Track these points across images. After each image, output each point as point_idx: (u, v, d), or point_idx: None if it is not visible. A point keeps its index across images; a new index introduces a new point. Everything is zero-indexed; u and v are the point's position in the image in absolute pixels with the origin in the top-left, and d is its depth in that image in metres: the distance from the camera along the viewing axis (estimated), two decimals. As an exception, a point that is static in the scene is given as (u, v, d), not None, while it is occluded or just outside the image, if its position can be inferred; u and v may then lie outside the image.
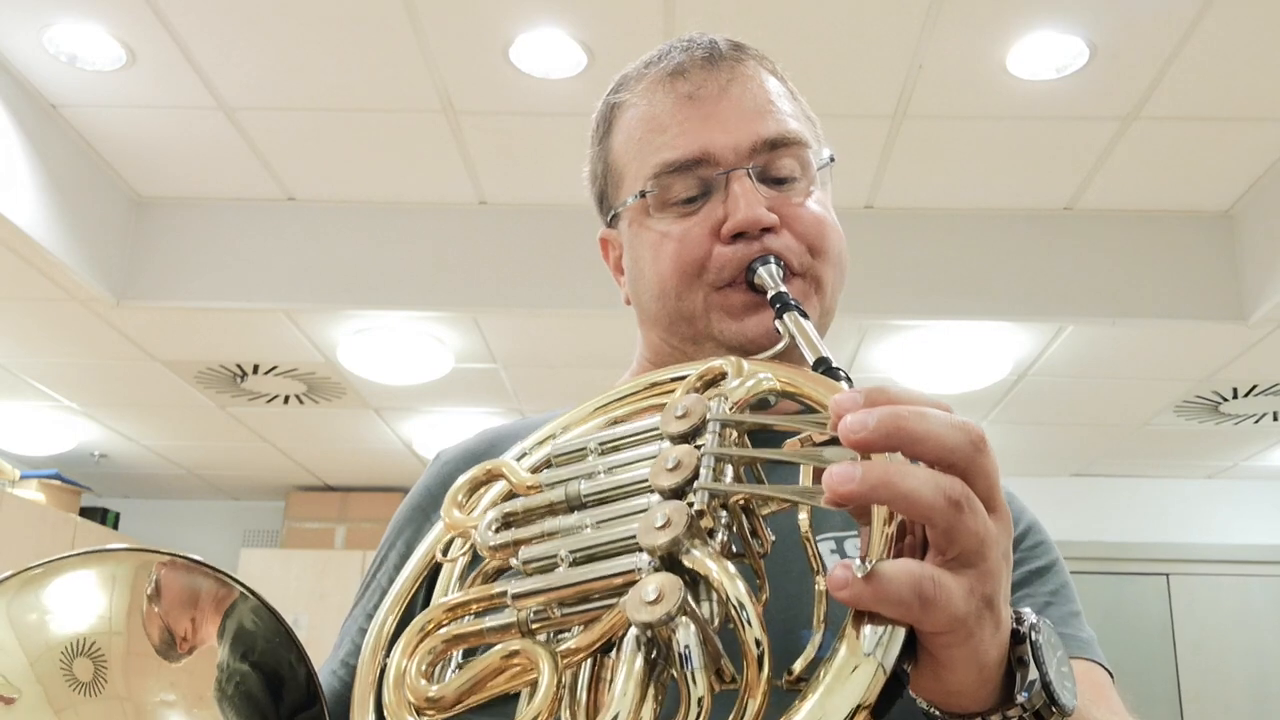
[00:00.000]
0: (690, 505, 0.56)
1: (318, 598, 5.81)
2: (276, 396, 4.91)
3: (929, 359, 4.28)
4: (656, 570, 0.54)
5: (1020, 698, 0.56)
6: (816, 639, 0.58)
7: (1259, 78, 3.01)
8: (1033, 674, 0.56)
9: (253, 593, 0.61)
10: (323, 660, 0.92)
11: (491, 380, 4.68)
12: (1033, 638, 0.56)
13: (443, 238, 3.82)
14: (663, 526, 0.54)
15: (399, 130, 3.37)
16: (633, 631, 0.53)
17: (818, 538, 0.82)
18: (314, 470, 6.26)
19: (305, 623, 5.65)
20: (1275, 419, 4.99)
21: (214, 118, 3.31)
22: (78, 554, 0.58)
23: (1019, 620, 0.57)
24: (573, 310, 3.79)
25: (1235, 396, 4.65)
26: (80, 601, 0.58)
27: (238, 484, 6.60)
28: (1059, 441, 5.47)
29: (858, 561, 0.50)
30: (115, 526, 6.52)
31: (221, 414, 5.18)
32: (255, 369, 4.57)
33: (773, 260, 0.84)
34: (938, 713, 0.58)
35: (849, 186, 3.62)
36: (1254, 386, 4.52)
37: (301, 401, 4.98)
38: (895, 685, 0.51)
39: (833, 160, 0.93)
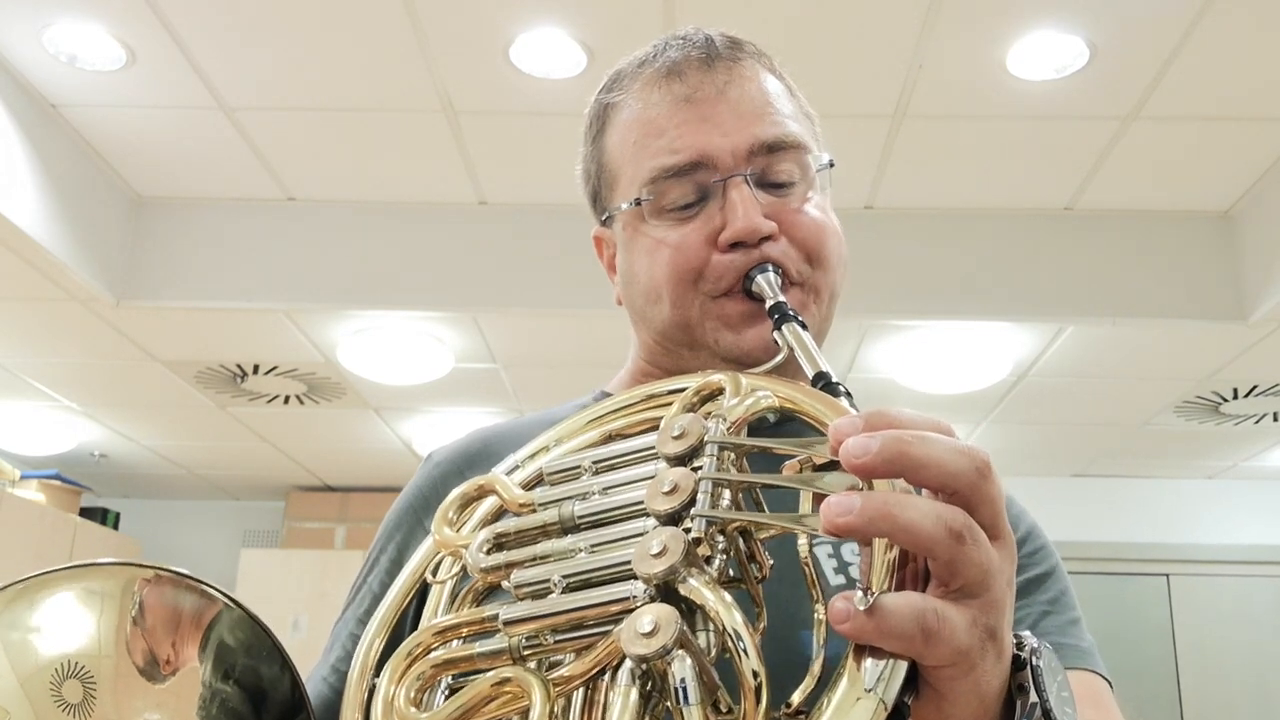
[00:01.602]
0: (687, 532, 0.55)
1: (318, 598, 5.81)
2: (276, 396, 4.91)
3: (929, 359, 4.27)
4: (652, 599, 0.53)
5: None
6: (815, 667, 0.57)
7: (1259, 78, 3.01)
8: (1033, 699, 0.55)
9: (237, 604, 0.60)
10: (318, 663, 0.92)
11: (491, 380, 4.67)
12: (1033, 663, 0.56)
13: (443, 238, 3.82)
14: (659, 554, 0.53)
15: (399, 130, 3.37)
16: (627, 663, 0.52)
17: (812, 543, 0.82)
18: (314, 470, 6.26)
19: (305, 623, 5.65)
20: (1275, 419, 4.99)
21: (214, 118, 3.31)
22: (62, 569, 0.58)
23: (1019, 645, 0.57)
24: (573, 310, 3.79)
25: (1235, 397, 4.65)
26: (68, 620, 0.57)
27: (238, 484, 6.60)
28: (1059, 441, 5.47)
29: (859, 594, 0.49)
30: (115, 526, 6.51)
31: (221, 414, 5.18)
32: (255, 369, 4.57)
33: (771, 268, 0.83)
34: None
35: (849, 186, 3.62)
36: (1254, 387, 4.52)
37: (301, 401, 4.98)
38: (897, 719, 0.50)
39: (832, 165, 0.91)
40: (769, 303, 0.80)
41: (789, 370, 0.74)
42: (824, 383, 0.68)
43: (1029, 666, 0.56)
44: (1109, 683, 0.86)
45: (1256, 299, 3.61)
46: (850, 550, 0.82)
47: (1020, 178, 3.57)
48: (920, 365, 4.32)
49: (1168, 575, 6.00)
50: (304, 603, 5.76)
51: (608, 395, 0.96)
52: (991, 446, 5.23)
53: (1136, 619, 5.87)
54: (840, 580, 0.81)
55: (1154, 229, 3.74)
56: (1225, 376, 4.38)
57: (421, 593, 0.70)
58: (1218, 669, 5.83)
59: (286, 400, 4.96)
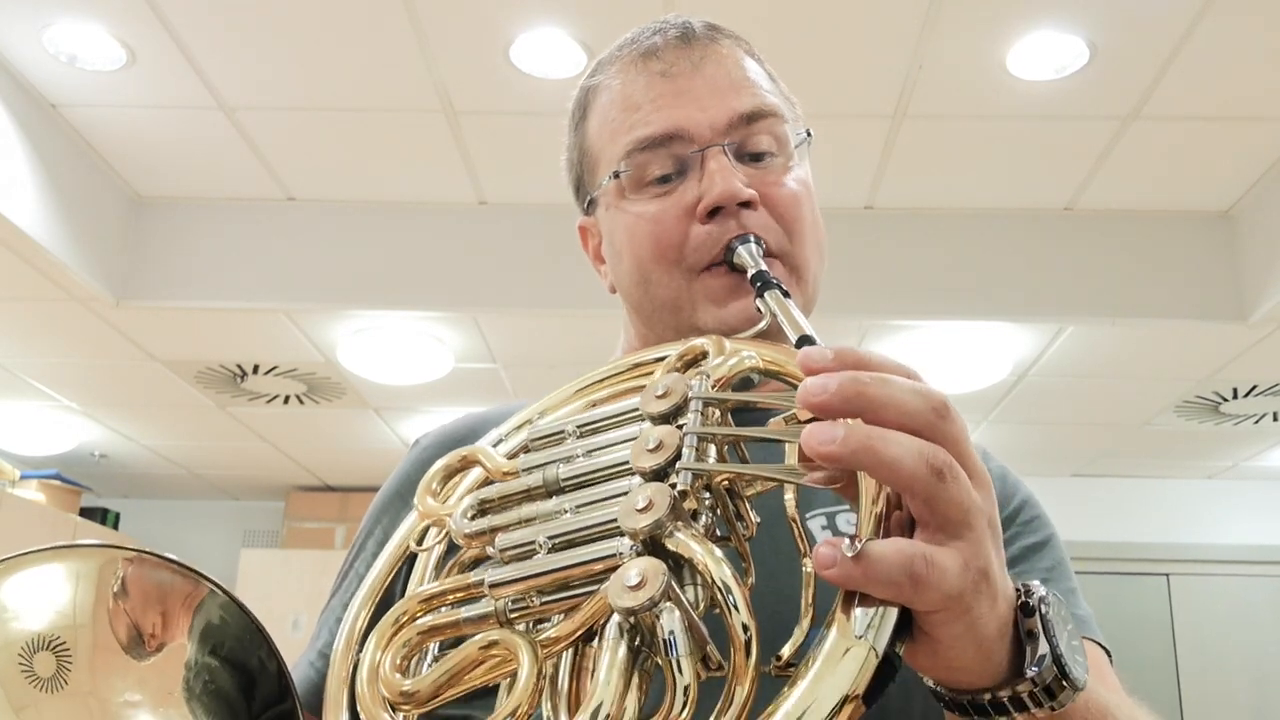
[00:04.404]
0: (673, 487, 0.54)
1: (318, 597, 5.76)
2: (276, 396, 4.91)
3: (929, 359, 4.27)
4: (639, 555, 0.52)
5: (1030, 671, 0.54)
6: (805, 623, 0.57)
7: (1259, 78, 3.01)
8: (1043, 648, 0.54)
9: (222, 589, 0.60)
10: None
11: (491, 380, 4.67)
12: (1042, 610, 0.55)
13: (443, 238, 3.82)
14: (644, 509, 0.53)
15: (399, 130, 3.37)
16: (615, 618, 0.51)
17: (809, 514, 0.81)
18: (314, 470, 6.26)
19: (304, 622, 5.65)
20: (1275, 419, 4.99)
21: (214, 118, 3.31)
22: (40, 550, 0.57)
23: (1028, 593, 0.56)
24: (573, 310, 3.78)
25: (1235, 396, 4.65)
26: (43, 597, 0.56)
27: (238, 484, 6.60)
28: (1059, 441, 5.46)
29: (846, 540, 0.49)
30: (115, 526, 6.52)
31: (221, 414, 5.17)
32: (255, 369, 4.57)
33: (752, 239, 0.82)
34: (944, 691, 0.56)
35: (849, 186, 3.62)
36: (1254, 386, 4.52)
37: (301, 401, 4.98)
38: (888, 668, 0.49)
39: (810, 136, 0.91)
40: (751, 272, 0.80)
41: (774, 338, 0.73)
42: (807, 345, 0.67)
43: (1038, 614, 0.55)
44: (1108, 652, 0.86)
45: (1256, 299, 3.61)
46: (846, 520, 0.82)
47: (1020, 178, 3.57)
48: (920, 365, 4.30)
49: (1168, 575, 6.00)
50: (304, 602, 5.76)
51: None
52: (992, 446, 5.22)
53: (1136, 619, 5.87)
54: None
55: (1154, 229, 3.74)
56: (1225, 376, 4.38)
57: (408, 566, 0.69)
58: (1218, 669, 5.83)
59: (286, 400, 4.96)
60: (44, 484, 5.82)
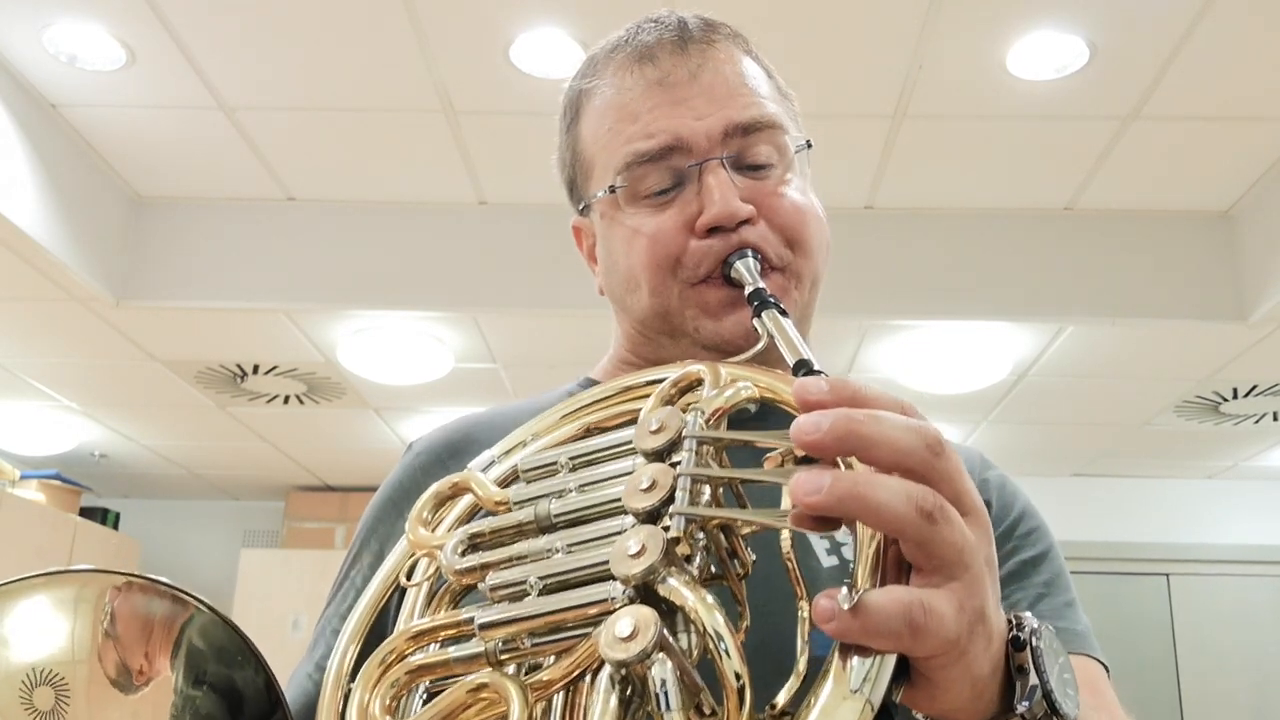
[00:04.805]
0: (666, 530, 0.53)
1: (318, 598, 5.74)
2: (276, 396, 4.91)
3: (929, 359, 4.27)
4: (631, 600, 0.52)
5: (1020, 707, 0.54)
6: (801, 664, 0.56)
7: (1259, 78, 3.01)
8: (1033, 681, 0.54)
9: (210, 608, 0.60)
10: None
11: (491, 380, 4.67)
12: (1033, 644, 0.55)
13: (443, 238, 3.82)
14: (637, 554, 0.52)
15: (399, 130, 3.37)
16: (607, 668, 0.50)
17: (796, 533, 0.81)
18: (314, 470, 6.26)
19: (304, 622, 5.65)
20: (1275, 419, 4.99)
21: (214, 118, 3.31)
22: (33, 576, 0.57)
23: (1019, 626, 0.56)
24: (573, 310, 3.78)
25: (1235, 397, 4.64)
26: (40, 627, 0.57)
27: (238, 484, 6.60)
28: (1059, 441, 5.46)
29: (844, 591, 0.49)
30: (115, 526, 6.51)
31: (221, 414, 5.17)
32: (255, 369, 4.57)
33: (750, 254, 0.81)
34: None
35: (849, 186, 3.62)
36: (1254, 386, 4.51)
37: (301, 401, 4.98)
38: (885, 717, 0.49)
39: (810, 146, 0.89)
40: (748, 289, 0.78)
41: (770, 358, 0.72)
42: (805, 370, 0.66)
43: (1029, 647, 0.55)
44: (1106, 667, 0.85)
45: (1256, 299, 3.61)
46: (843, 530, 0.81)
47: (1020, 178, 3.57)
48: (920, 365, 4.31)
49: (1168, 575, 5.99)
50: (304, 602, 5.76)
51: (594, 382, 0.95)
52: (992, 446, 5.23)
53: (1136, 619, 5.87)
54: (833, 561, 0.80)
55: (1154, 229, 3.74)
56: (1225, 376, 4.38)
57: (399, 593, 0.68)
58: (1218, 668, 5.83)
59: (286, 400, 4.96)
60: (44, 484, 5.82)
